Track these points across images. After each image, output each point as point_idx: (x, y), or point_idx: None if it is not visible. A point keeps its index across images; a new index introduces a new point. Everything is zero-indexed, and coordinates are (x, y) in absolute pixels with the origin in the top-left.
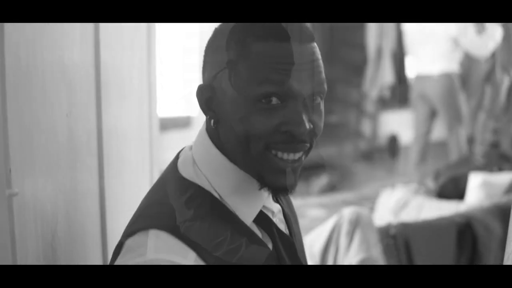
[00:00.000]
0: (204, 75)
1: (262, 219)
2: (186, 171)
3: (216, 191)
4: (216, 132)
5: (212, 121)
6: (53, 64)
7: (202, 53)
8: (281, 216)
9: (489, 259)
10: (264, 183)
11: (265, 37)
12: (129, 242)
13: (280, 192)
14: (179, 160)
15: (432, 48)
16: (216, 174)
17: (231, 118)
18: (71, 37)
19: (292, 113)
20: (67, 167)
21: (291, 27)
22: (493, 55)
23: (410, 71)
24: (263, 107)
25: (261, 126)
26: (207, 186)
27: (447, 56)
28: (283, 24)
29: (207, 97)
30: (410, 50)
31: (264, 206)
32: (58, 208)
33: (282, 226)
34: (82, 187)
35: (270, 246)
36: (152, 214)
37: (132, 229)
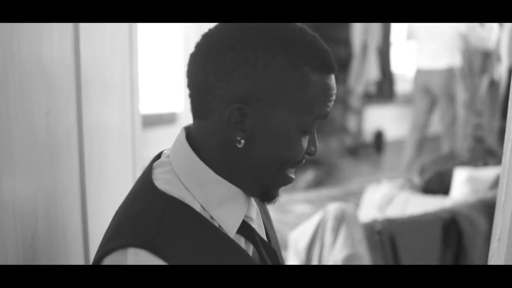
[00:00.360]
0: (226, 85)
1: (244, 228)
2: (162, 183)
3: (199, 203)
4: (218, 148)
5: (242, 141)
6: (31, 61)
7: (203, 52)
8: (259, 221)
9: (475, 254)
10: (266, 195)
11: (321, 69)
12: (107, 262)
13: (273, 201)
14: (155, 172)
15: (439, 43)
16: (201, 186)
17: (274, 142)
18: (50, 33)
19: (313, 136)
20: (47, 166)
21: (330, 57)
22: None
23: (411, 65)
24: (304, 135)
25: (301, 151)
26: (187, 199)
27: (452, 51)
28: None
29: (237, 115)
30: (414, 44)
31: (245, 215)
32: (38, 208)
33: (261, 232)
34: (62, 186)
35: (250, 253)
36: (129, 231)
37: (109, 248)
